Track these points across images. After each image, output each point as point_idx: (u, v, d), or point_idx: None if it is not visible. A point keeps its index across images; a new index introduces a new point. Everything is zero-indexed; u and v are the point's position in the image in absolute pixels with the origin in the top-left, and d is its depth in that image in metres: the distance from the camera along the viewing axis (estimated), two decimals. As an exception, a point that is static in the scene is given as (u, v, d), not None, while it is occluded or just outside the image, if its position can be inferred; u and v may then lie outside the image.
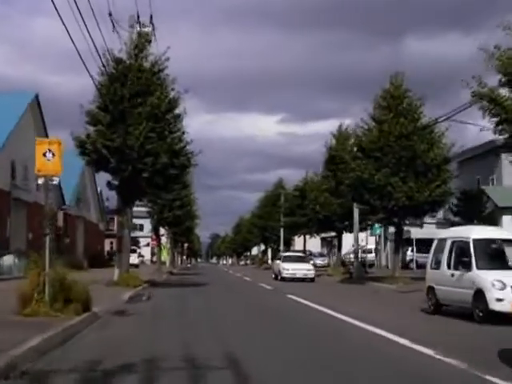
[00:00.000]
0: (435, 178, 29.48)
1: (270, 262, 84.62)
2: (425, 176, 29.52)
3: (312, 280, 34.63)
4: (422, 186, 29.16)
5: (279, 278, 35.65)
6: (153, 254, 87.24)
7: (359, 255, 39.29)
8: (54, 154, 12.79)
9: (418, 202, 29.11)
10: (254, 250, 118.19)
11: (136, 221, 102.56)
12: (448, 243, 15.16)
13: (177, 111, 26.56)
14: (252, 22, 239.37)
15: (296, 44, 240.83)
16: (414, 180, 29.21)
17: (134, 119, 24.96)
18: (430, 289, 15.81)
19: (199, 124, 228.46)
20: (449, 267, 14.88)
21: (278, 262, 37.93)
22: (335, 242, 79.15)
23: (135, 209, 65.72)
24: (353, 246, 59.56)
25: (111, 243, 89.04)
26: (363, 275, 36.91)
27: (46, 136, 44.11)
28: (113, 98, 25.28)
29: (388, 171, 29.17)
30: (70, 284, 13.16)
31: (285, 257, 38.27)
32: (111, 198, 53.25)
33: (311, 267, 36.34)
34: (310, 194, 44.91)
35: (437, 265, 15.70)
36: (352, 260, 41.02)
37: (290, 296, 22.09)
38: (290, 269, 35.13)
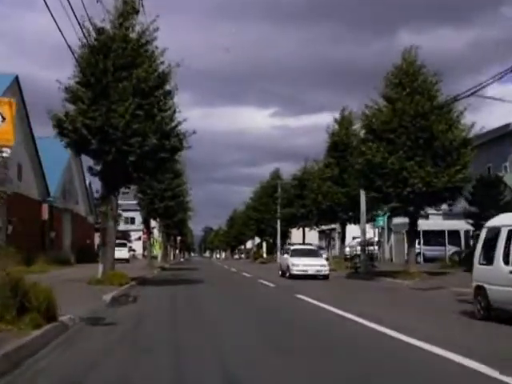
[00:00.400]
0: (455, 161, 26.57)
1: (265, 255, 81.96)
2: (443, 160, 26.62)
3: (326, 277, 30.12)
4: (440, 171, 26.27)
5: (287, 275, 31.06)
6: (145, 248, 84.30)
7: (366, 248, 36.06)
8: (4, 118, 9.81)
9: (437, 188, 26.19)
10: (249, 244, 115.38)
11: (127, 214, 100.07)
12: (503, 233, 12.16)
13: (167, 87, 23.57)
14: (244, 15, 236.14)
15: (288, 37, 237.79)
16: (431, 164, 26.29)
17: (118, 95, 21.94)
18: (480, 289, 12.81)
19: (191, 118, 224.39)
20: (506, 262, 11.88)
21: (285, 256, 32.82)
22: (334, 234, 76.77)
23: (126, 202, 62.94)
24: (353, 238, 57.20)
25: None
26: (371, 270, 34.02)
27: (28, 122, 41.11)
28: (94, 72, 22.24)
29: (402, 154, 26.24)
30: (28, 287, 10.19)
31: (294, 250, 32.99)
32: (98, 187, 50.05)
33: (325, 262, 31.43)
34: (311, 183, 41.90)
35: (488, 260, 12.69)
36: (359, 253, 38.07)
37: (299, 296, 19.10)
38: (300, 264, 30.29)
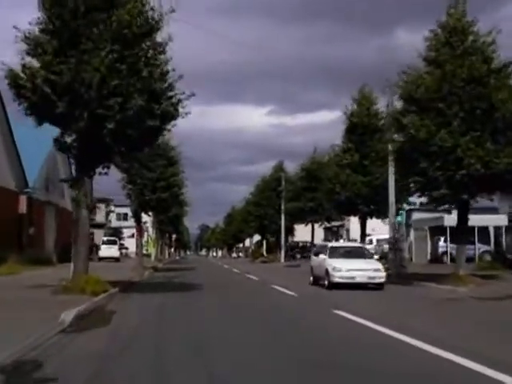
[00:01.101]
0: (519, 137, 21.25)
1: (265, 254, 76.59)
2: (504, 135, 21.29)
3: (380, 286, 21.59)
4: (501, 149, 20.93)
5: (326, 283, 22.23)
6: (138, 245, 78.90)
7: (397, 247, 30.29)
8: None
9: (497, 170, 20.83)
10: (248, 242, 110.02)
11: (119, 210, 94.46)
12: None
13: (158, 39, 18.13)
14: (241, 14, 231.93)
15: (285, 36, 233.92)
16: (491, 140, 20.95)
17: (92, 43, 16.51)
18: None
19: (189, 116, 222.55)
20: None
21: (321, 257, 23.53)
22: (342, 231, 71.29)
23: (118, 196, 57.18)
24: (368, 235, 52.17)
25: (91, 234, 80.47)
26: (402, 272, 28.60)
27: (3, 106, 35.71)
28: (62, 13, 16.83)
29: (457, 128, 20.87)
30: None
31: (333, 249, 23.94)
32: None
33: (379, 266, 22.48)
34: (326, 172, 36.36)
35: None
36: (386, 251, 32.60)
37: (338, 312, 13.71)
38: (344, 269, 21.57)
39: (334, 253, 23.55)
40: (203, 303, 16.51)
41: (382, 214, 34.58)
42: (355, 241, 31.21)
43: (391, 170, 27.97)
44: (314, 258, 25.36)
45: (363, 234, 35.20)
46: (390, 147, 24.60)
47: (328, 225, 52.17)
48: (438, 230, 42.54)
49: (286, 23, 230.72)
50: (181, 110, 17.84)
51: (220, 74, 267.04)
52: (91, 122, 16.45)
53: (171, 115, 17.74)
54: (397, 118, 22.94)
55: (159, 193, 37.46)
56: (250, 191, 77.15)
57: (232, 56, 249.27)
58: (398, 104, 23.73)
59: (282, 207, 57.50)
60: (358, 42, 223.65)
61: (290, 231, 63.97)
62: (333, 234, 67.97)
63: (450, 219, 41.38)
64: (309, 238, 70.33)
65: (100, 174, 18.34)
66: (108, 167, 18.44)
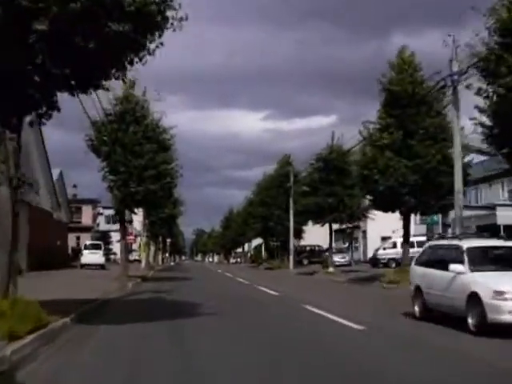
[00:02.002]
0: None
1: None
2: None
3: None
4: None
5: (472, 322, 11.14)
6: (130, 251, 71.34)
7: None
8: None
9: None
10: (247, 246, 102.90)
11: (108, 212, 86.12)
12: None
13: None
14: (237, 19, 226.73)
15: (281, 41, 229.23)
16: None
17: None
18: None
19: (184, 120, 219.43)
20: None
21: (453, 268, 11.82)
22: (358, 234, 63.70)
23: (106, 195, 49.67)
24: (383, 239, 45.40)
25: (77, 238, 73.21)
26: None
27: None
28: None
29: None
30: None
31: (476, 252, 12.18)
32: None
33: None
34: (363, 157, 28.54)
35: None
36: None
37: None
38: None
39: (480, 261, 12.17)
40: (214, 354, 9.03)
41: (429, 208, 27.54)
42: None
43: (457, 143, 20.80)
44: (420, 269, 14.16)
45: (406, 236, 27.63)
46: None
47: (350, 225, 44.49)
48: (488, 230, 35.27)
49: (283, 27, 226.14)
50: (171, 14, 10.35)
51: (216, 78, 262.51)
52: (8, 22, 9.00)
53: (154, 21, 10.17)
54: (487, 58, 15.57)
55: (147, 184, 29.85)
56: (252, 190, 69.71)
57: (228, 60, 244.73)
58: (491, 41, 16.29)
59: (291, 205, 49.95)
60: (354, 46, 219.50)
61: (297, 233, 56.29)
62: (347, 236, 60.39)
63: (505, 216, 34.29)
64: (316, 242, 63.13)
65: (31, 123, 10.78)
66: (49, 115, 10.76)
